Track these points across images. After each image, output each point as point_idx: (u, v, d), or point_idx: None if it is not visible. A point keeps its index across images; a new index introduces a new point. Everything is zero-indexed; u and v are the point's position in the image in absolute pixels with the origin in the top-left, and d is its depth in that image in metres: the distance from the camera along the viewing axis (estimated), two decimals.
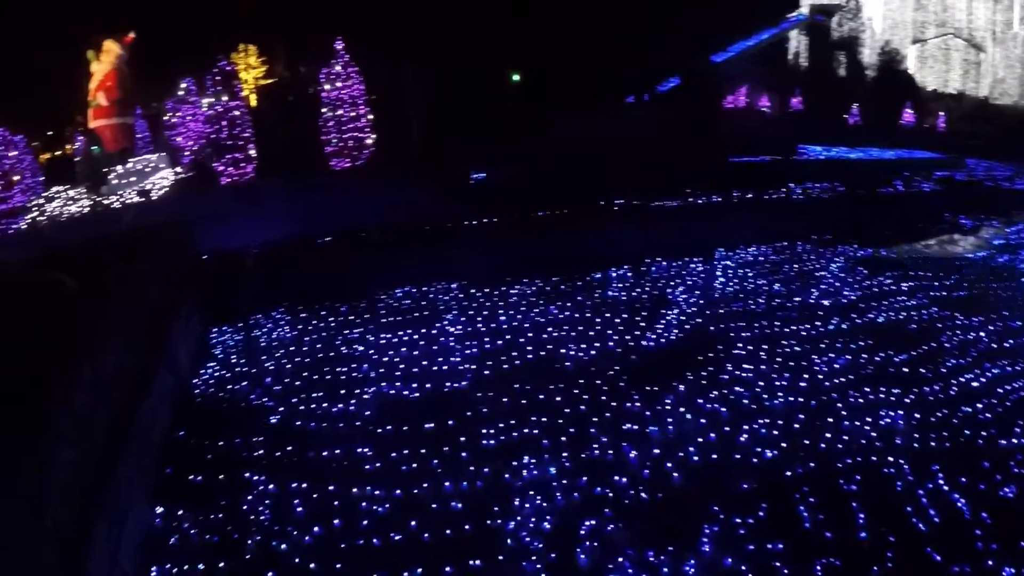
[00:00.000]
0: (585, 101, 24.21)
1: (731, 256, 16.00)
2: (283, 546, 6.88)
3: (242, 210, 16.73)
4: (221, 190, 21.78)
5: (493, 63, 25.53)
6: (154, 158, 25.50)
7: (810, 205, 19.55)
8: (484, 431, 8.62)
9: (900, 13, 44.55)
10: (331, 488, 7.71)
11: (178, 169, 25.70)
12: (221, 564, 6.67)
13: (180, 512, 7.47)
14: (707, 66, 28.70)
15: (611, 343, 11.27)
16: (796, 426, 8.56)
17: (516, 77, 26.18)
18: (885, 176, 22.97)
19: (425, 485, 7.61)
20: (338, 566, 6.53)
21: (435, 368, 10.64)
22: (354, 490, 7.65)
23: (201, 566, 6.69)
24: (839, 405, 9.03)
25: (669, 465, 7.75)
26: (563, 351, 11.01)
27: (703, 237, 16.51)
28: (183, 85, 30.51)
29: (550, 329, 11.91)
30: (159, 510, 7.52)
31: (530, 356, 10.87)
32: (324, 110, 22.81)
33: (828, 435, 8.28)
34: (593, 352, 10.96)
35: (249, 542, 7.00)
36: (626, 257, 15.27)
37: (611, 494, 7.28)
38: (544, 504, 7.13)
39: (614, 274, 14.68)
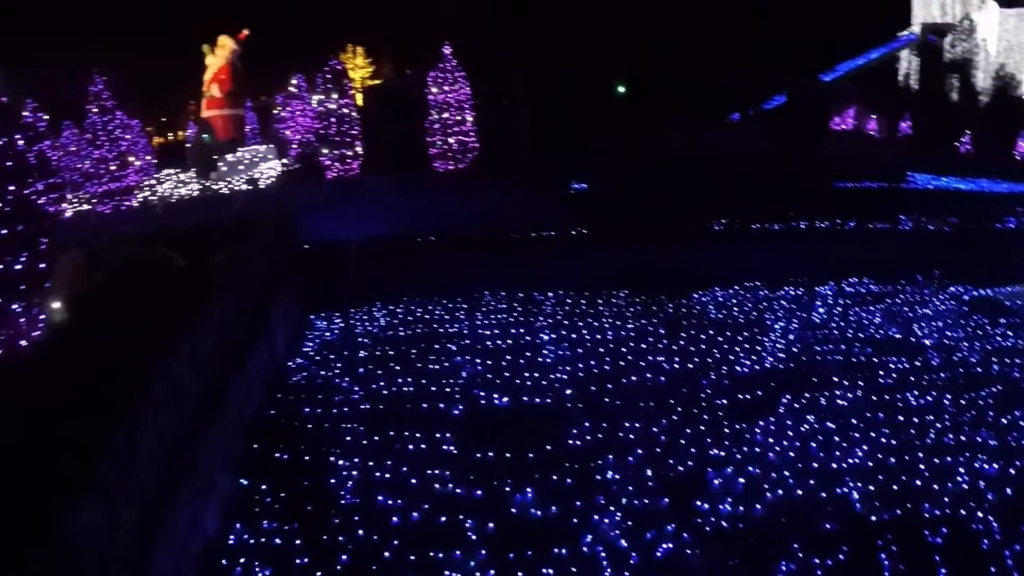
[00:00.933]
0: (689, 115, 23.83)
1: (832, 286, 15.50)
2: (359, 530, 7.02)
3: (345, 204, 17.09)
4: (326, 183, 22.30)
5: (598, 73, 25.49)
6: (262, 149, 26.32)
7: (918, 238, 18.83)
8: (569, 443, 8.59)
9: (1016, 35, 41.93)
10: (413, 481, 7.83)
11: (285, 161, 26.48)
12: (298, 541, 6.86)
13: (263, 487, 7.73)
14: (815, 85, 27.82)
15: (703, 364, 11.08)
16: (884, 467, 8.21)
17: (621, 89, 26.06)
18: (999, 210, 21.91)
19: (505, 490, 7.63)
20: (411, 555, 6.63)
21: (525, 375, 10.67)
22: (436, 485, 7.74)
23: (278, 540, 6.91)
24: (931, 449, 8.62)
25: (751, 493, 7.55)
26: (654, 369, 10.90)
27: (804, 264, 16.05)
28: (294, 81, 31.46)
29: (643, 346, 11.78)
30: (243, 482, 7.80)
31: (621, 372, 10.77)
32: (431, 112, 23.15)
33: (917, 480, 7.93)
34: (684, 372, 10.79)
35: (327, 522, 7.15)
36: (724, 278, 14.96)
37: (689, 518, 7.12)
38: (620, 522, 7.02)
39: (710, 295, 14.43)
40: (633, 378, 10.55)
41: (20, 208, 8.46)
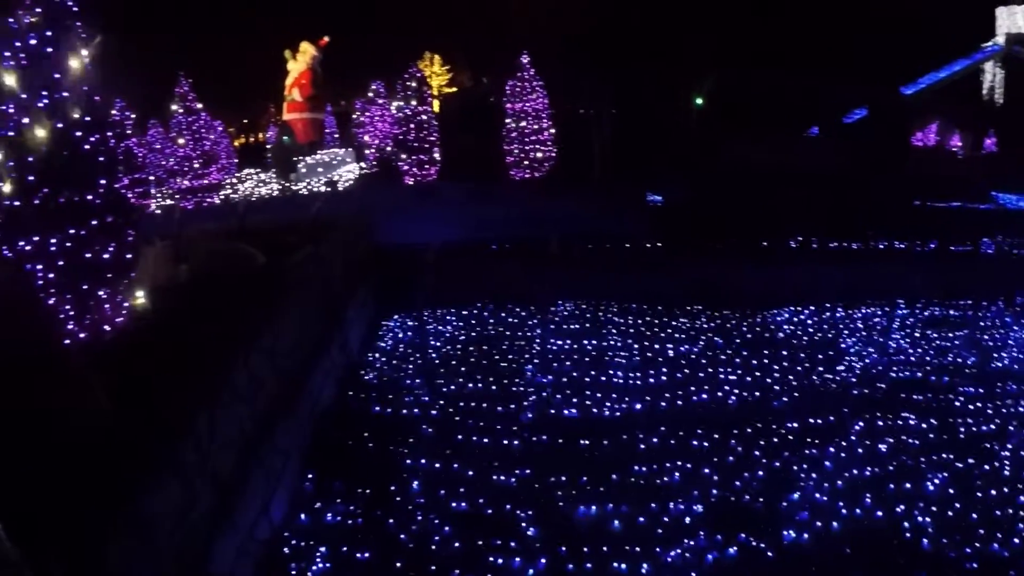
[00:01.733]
0: (767, 127, 23.39)
1: (909, 309, 15.09)
2: (419, 527, 7.14)
3: (422, 209, 17.28)
4: (404, 188, 22.56)
5: (676, 84, 25.30)
6: (341, 152, 26.75)
7: (1001, 261, 18.19)
8: (636, 458, 8.53)
9: None
10: (477, 484, 7.90)
11: (363, 164, 26.88)
12: (359, 534, 7.05)
13: (329, 479, 7.92)
14: (896, 98, 26.95)
15: (774, 385, 10.92)
16: (957, 498, 7.94)
17: (699, 100, 25.81)
18: None
19: (568, 500, 7.65)
20: (469, 556, 6.73)
21: (595, 386, 10.64)
22: (499, 491, 7.81)
23: (340, 531, 7.11)
24: (1006, 482, 8.28)
25: (817, 520, 7.37)
26: (724, 387, 10.77)
27: (881, 285, 15.65)
28: (373, 87, 31.93)
29: (714, 363, 11.65)
30: (310, 475, 7.99)
31: (691, 388, 10.65)
32: (508, 121, 23.25)
33: (990, 514, 7.65)
34: (756, 392, 10.61)
35: (390, 520, 7.28)
36: (798, 297, 14.69)
37: (752, 542, 7.00)
38: (682, 543, 6.94)
39: (784, 313, 14.18)
40: (703, 395, 10.44)
41: (110, 201, 8.74)
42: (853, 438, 9.11)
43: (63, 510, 4.31)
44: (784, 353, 12.06)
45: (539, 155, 23.29)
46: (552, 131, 23.50)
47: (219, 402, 6.20)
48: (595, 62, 23.42)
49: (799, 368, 11.46)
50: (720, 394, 10.46)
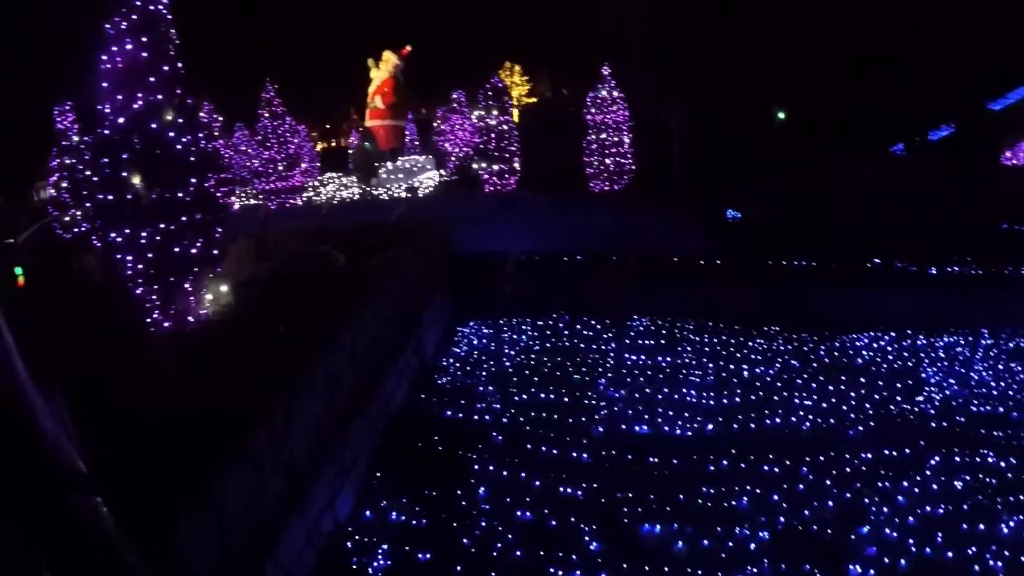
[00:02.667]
0: (851, 144, 22.79)
1: (994, 338, 14.51)
2: (482, 533, 7.14)
3: (500, 218, 17.38)
4: (483, 197, 22.72)
5: (758, 98, 24.90)
6: (422, 159, 27.13)
7: None
8: (705, 479, 8.36)
9: None
10: (543, 494, 7.86)
11: (443, 172, 27.22)
12: (422, 535, 7.09)
13: (395, 478, 8.01)
14: (984, 115, 25.91)
15: (850, 412, 10.59)
16: None
17: (782, 115, 25.37)
18: None
19: (634, 517, 7.54)
20: (530, 565, 6.70)
21: (668, 404, 10.50)
22: (565, 502, 7.75)
23: (403, 531, 7.16)
24: None
25: (887, 556, 7.03)
26: (799, 412, 10.47)
27: (965, 312, 15.09)
28: (454, 96, 32.35)
29: (789, 387, 11.40)
30: (378, 473, 8.10)
31: (764, 411, 10.35)
32: (588, 132, 23.27)
33: None
34: (831, 420, 10.24)
35: (453, 524, 7.31)
36: (878, 321, 14.25)
37: None
38: (745, 570, 6.74)
39: (863, 338, 13.81)
40: (777, 419, 10.19)
41: (199, 199, 9.03)
42: (928, 473, 8.76)
43: (136, 489, 4.47)
44: (862, 380, 11.70)
45: (619, 167, 23.23)
46: (632, 144, 23.39)
47: (296, 395, 6.35)
48: (677, 74, 23.14)
49: (876, 396, 11.09)
50: (794, 419, 10.18)
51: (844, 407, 10.62)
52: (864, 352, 13.10)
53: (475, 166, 24.69)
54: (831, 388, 11.22)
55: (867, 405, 10.73)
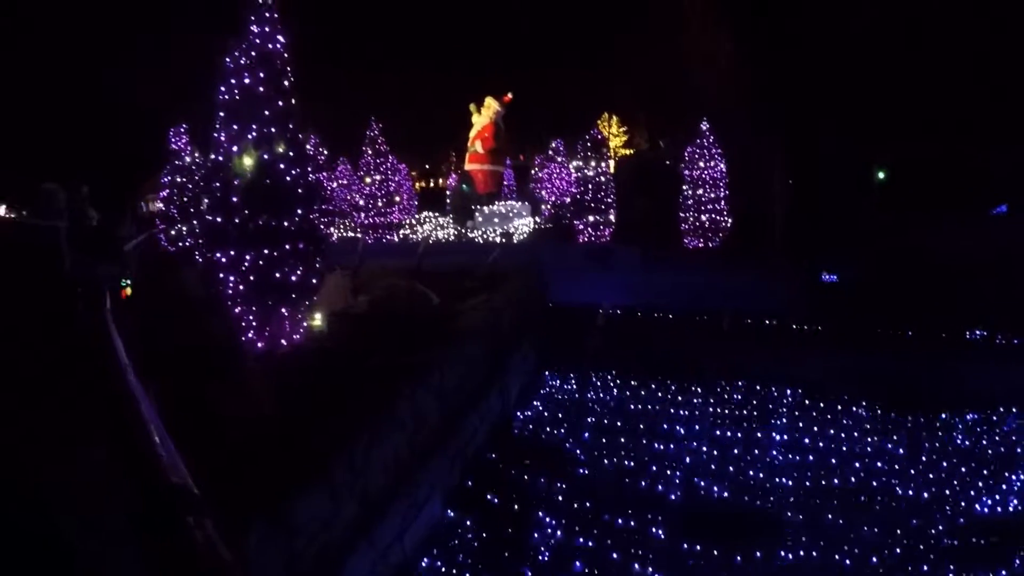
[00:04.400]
0: (952, 203, 21.86)
1: None
2: None
3: (592, 269, 17.31)
4: (577, 247, 22.72)
5: (858, 157, 24.25)
6: (518, 205, 27.35)
7: None
8: (783, 554, 8.08)
9: None
10: (615, 556, 7.69)
11: (538, 219, 27.38)
12: None
13: (468, 522, 7.95)
14: None
15: (939, 496, 10.04)
16: None
17: (881, 175, 24.71)
18: None
19: None
20: None
21: (750, 472, 10.22)
22: (636, 566, 7.57)
23: (469, 573, 7.11)
24: None
25: None
26: (886, 493, 9.97)
27: None
28: (552, 145, 32.64)
29: (878, 464, 10.90)
30: (450, 513, 8.06)
31: (849, 489, 9.96)
32: (684, 187, 23.11)
33: None
34: (918, 502, 9.78)
35: (519, 573, 7.21)
36: (978, 399, 13.54)
37: None
38: None
39: (961, 417, 13.14)
40: (862, 498, 9.78)
41: (303, 229, 9.27)
42: (1016, 565, 8.25)
43: (213, 501, 4.54)
44: (954, 461, 11.08)
45: (714, 223, 22.95)
46: (729, 200, 23.11)
47: (380, 428, 6.40)
48: (776, 131, 22.81)
49: (968, 480, 10.51)
50: (879, 498, 9.74)
51: (933, 490, 10.12)
52: (959, 431, 12.47)
53: (570, 216, 24.76)
54: (921, 468, 10.72)
55: (958, 488, 10.20)
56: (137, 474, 4.14)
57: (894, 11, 23.50)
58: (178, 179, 26.04)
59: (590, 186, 23.97)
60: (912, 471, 10.66)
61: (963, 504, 9.84)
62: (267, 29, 9.16)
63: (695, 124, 24.08)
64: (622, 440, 10.79)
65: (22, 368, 5.89)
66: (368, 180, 30.71)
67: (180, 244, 21.40)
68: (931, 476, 10.55)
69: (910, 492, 10.01)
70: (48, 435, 4.82)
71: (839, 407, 12.96)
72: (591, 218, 23.77)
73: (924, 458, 11.16)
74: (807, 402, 13.05)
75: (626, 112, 60.62)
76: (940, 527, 9.18)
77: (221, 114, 9.15)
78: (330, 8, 44.27)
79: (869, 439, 11.80)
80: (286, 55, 9.37)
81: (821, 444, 11.43)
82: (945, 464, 11.01)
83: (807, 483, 10.03)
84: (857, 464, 10.80)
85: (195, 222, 21.95)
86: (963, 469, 10.89)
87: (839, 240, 20.45)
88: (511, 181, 33.89)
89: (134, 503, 3.97)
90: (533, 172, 34.60)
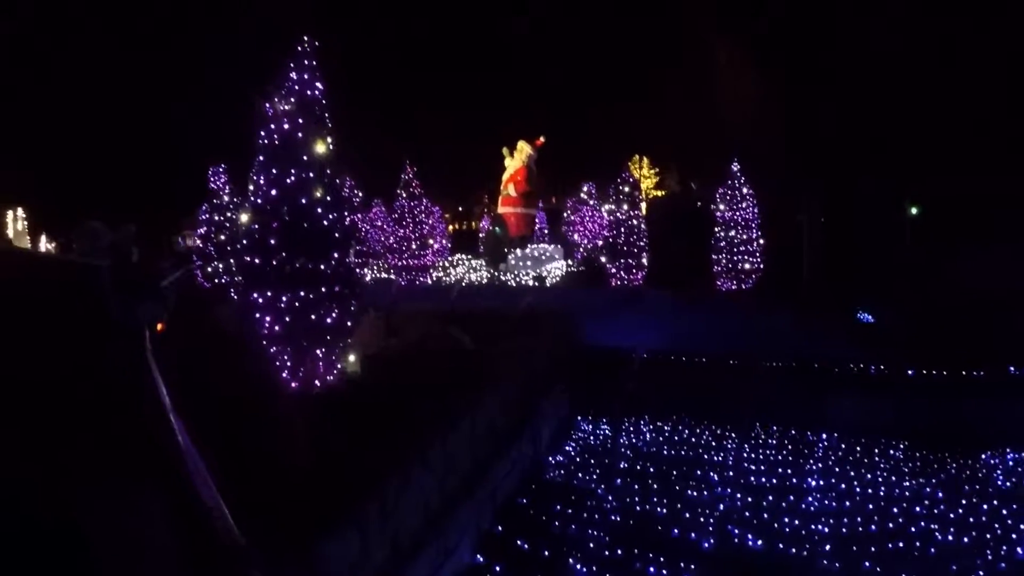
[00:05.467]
0: (987, 239, 21.53)
1: None
2: None
3: (625, 312, 17.29)
4: (609, 290, 22.69)
5: (891, 193, 24.09)
6: (550, 248, 27.46)
7: None
8: None
9: None
10: None
11: (571, 262, 27.44)
12: None
13: (497, 568, 7.87)
14: None
15: (980, 541, 9.77)
16: None
17: (914, 210, 24.52)
18: None
19: None
20: None
21: (785, 519, 9.98)
22: None
23: None
24: None
25: None
26: (924, 538, 9.71)
27: None
28: (584, 188, 32.79)
29: (916, 508, 10.66)
30: (480, 559, 8.01)
31: (887, 535, 9.65)
32: (716, 229, 23.04)
33: None
34: (958, 547, 9.51)
35: None
36: (1019, 439, 13.25)
37: None
38: None
39: (1001, 458, 12.79)
40: (900, 544, 9.56)
41: (339, 272, 9.39)
42: None
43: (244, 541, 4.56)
44: (995, 504, 10.68)
45: (747, 266, 22.80)
46: (762, 241, 22.98)
47: (411, 472, 6.42)
48: (807, 171, 22.77)
49: (1010, 523, 10.15)
50: (918, 543, 9.47)
51: (974, 534, 9.79)
52: (1000, 473, 12.13)
53: (602, 259, 24.78)
54: (961, 512, 10.45)
55: (999, 531, 9.87)
56: (185, 519, 4.16)
57: (927, 47, 23.51)
58: (216, 217, 26.53)
59: (622, 229, 23.98)
60: (951, 515, 10.42)
61: (1004, 548, 9.59)
62: (306, 76, 9.40)
63: (727, 165, 24.05)
64: (654, 486, 10.69)
65: (59, 407, 5.97)
66: (402, 222, 31.01)
67: (216, 281, 21.73)
68: (971, 520, 10.30)
69: (949, 537, 9.76)
70: (87, 475, 4.87)
71: (876, 449, 12.77)
72: (623, 261, 23.75)
73: (964, 501, 10.90)
74: (843, 445, 12.86)
75: (657, 154, 60.80)
76: (980, 573, 8.96)
77: (260, 158, 9.36)
78: (366, 52, 45.16)
79: (908, 482, 11.56)
80: (324, 101, 9.59)
81: (858, 488, 11.22)
82: (986, 507, 10.74)
83: (843, 529, 9.83)
84: (895, 509, 10.58)
85: (232, 261, 22.32)
86: (1004, 511, 10.62)
87: (875, 279, 20.23)
88: (543, 224, 34.04)
89: (182, 550, 3.98)
90: (565, 215, 34.72)
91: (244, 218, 9.41)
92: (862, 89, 23.72)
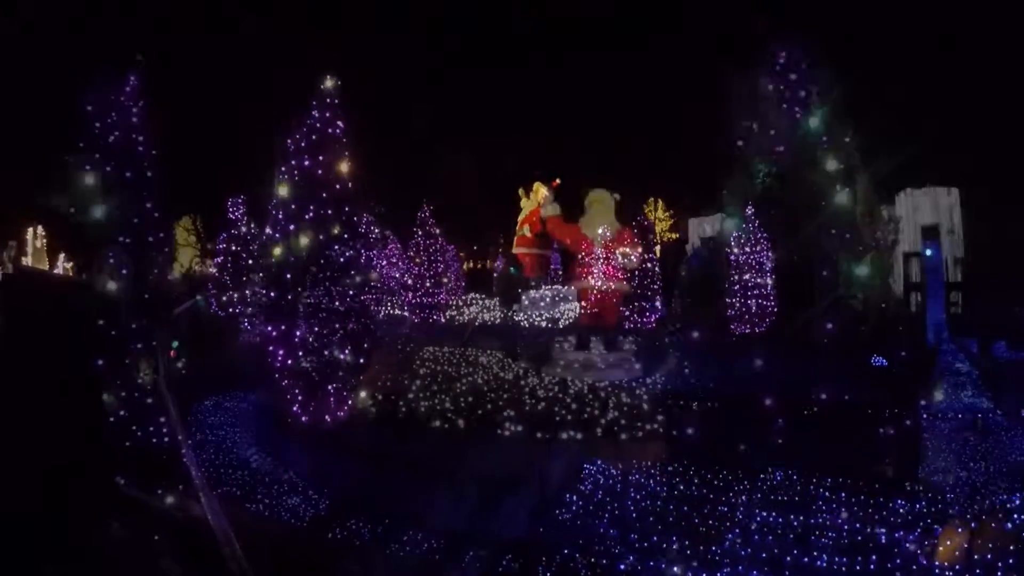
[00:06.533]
0: None
1: None
2: None
3: (639, 356, 17.25)
4: (623, 332, 22.55)
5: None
6: (564, 289, 27.40)
7: None
8: None
9: None
10: None
11: (584, 304, 27.37)
12: None
13: None
14: None
15: None
16: None
17: (929, 252, 24.51)
18: None
19: None
20: None
21: (795, 561, 9.90)
22: None
23: None
24: None
25: None
26: None
27: None
28: (599, 231, 32.83)
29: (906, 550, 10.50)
30: None
31: None
32: (731, 272, 22.93)
33: None
34: None
35: None
36: None
37: None
38: None
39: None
40: None
41: (354, 309, 9.44)
42: None
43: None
44: (1011, 561, 10.60)
45: (761, 308, 22.65)
46: (775, 284, 22.87)
47: (420, 513, 6.42)
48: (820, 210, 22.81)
49: None
50: None
51: None
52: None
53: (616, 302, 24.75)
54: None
55: None
56: (192, 544, 4.18)
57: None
58: (233, 248, 26.85)
59: (637, 272, 23.97)
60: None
61: None
62: (328, 115, 9.55)
63: (741, 209, 24.02)
64: (663, 531, 10.56)
65: (69, 430, 6.00)
66: (417, 260, 31.12)
67: (230, 310, 21.84)
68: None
69: None
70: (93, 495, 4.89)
71: (886, 494, 12.52)
72: (637, 304, 23.71)
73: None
74: (855, 490, 12.60)
75: (672, 197, 60.89)
76: None
77: (281, 194, 9.48)
78: (383, 91, 45.71)
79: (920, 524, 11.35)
80: (344, 140, 9.71)
81: (869, 531, 11.05)
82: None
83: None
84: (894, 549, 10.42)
85: (246, 291, 22.47)
86: (1011, 561, 10.40)
87: (887, 323, 20.14)
88: (558, 265, 34.05)
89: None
90: (580, 257, 34.81)
91: (277, 251, 9.48)
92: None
